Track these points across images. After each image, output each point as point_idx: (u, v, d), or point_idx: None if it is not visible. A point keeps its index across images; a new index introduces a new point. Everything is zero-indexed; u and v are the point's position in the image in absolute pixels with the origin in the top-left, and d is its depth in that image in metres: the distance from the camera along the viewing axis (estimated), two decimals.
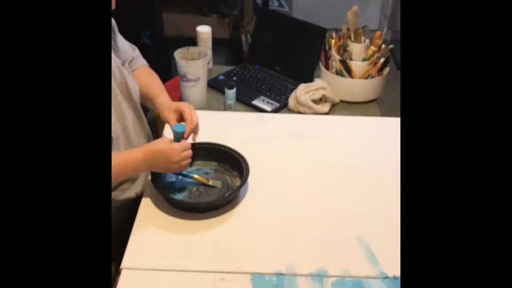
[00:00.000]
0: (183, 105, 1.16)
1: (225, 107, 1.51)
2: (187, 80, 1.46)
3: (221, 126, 1.39)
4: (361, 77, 1.56)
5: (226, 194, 1.11)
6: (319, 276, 0.94)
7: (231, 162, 1.18)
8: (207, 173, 1.19)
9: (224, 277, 0.93)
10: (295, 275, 0.94)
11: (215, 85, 1.63)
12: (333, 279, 0.94)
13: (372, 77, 1.56)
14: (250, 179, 1.13)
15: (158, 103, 1.21)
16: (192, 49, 1.49)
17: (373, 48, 1.55)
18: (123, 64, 1.15)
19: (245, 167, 1.13)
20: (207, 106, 1.52)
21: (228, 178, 1.17)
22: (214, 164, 1.21)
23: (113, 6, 1.02)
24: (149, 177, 1.12)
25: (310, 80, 1.60)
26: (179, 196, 1.11)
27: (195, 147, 1.14)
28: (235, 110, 1.51)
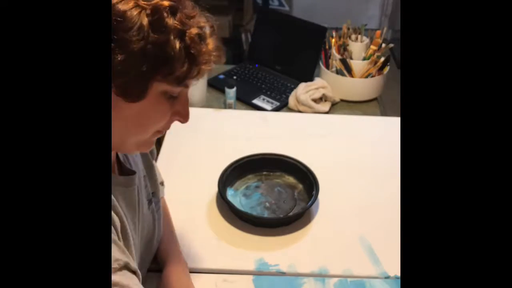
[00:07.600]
0: None
1: (225, 106, 1.51)
2: None
3: (222, 124, 1.39)
4: (361, 76, 1.56)
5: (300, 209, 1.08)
6: (321, 276, 0.94)
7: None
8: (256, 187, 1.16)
9: (226, 278, 0.93)
10: (297, 274, 0.94)
11: (215, 84, 1.62)
12: (335, 280, 0.93)
13: (372, 76, 1.56)
14: None
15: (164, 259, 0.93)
16: None
17: (373, 47, 1.55)
18: (150, 202, 0.88)
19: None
20: (207, 105, 1.52)
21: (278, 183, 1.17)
22: (251, 176, 1.18)
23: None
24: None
25: (310, 79, 1.60)
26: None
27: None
28: (235, 109, 1.51)
